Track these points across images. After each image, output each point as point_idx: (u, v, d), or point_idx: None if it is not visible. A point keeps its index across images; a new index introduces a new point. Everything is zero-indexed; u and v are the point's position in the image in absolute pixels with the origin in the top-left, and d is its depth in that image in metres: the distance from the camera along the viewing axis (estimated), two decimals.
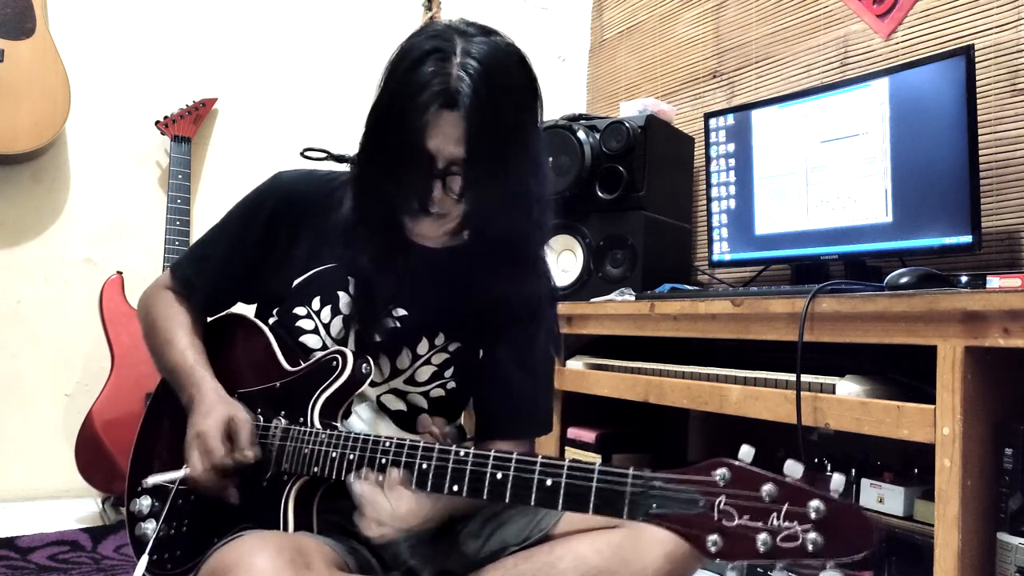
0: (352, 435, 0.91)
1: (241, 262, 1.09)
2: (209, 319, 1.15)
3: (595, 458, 1.91)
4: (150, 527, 1.01)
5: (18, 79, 1.94)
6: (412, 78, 0.87)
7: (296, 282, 1.06)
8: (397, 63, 0.91)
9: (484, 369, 1.08)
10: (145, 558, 0.96)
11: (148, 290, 1.16)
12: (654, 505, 0.68)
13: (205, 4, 2.37)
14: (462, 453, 0.82)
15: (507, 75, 0.90)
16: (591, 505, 0.72)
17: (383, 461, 0.87)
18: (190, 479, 0.95)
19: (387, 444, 0.87)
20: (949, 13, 1.76)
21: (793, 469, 0.62)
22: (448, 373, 1.07)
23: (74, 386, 2.17)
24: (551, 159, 2.07)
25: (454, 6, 2.59)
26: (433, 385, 1.06)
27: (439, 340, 1.06)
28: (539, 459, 0.77)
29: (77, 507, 2.03)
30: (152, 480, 0.98)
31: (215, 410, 0.97)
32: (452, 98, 0.86)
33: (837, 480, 0.61)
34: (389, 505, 0.84)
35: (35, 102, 1.96)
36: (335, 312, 1.04)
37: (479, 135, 0.87)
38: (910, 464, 1.49)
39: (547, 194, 1.00)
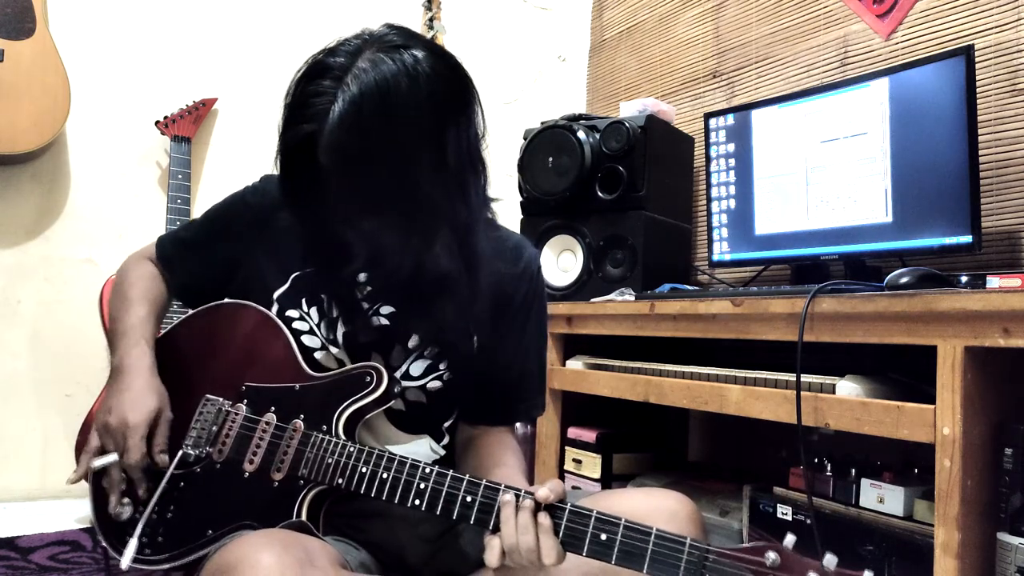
0: (388, 454, 0.91)
1: (219, 260, 1.10)
2: (213, 303, 1.12)
3: (595, 458, 1.92)
4: (126, 511, 0.97)
5: (18, 79, 1.94)
6: (298, 96, 0.93)
7: (282, 288, 1.05)
8: (299, 77, 0.96)
9: (477, 355, 1.08)
10: (134, 542, 0.92)
11: (132, 256, 1.17)
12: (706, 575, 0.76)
13: (205, 4, 2.37)
14: (511, 494, 0.84)
15: (386, 101, 0.89)
16: (645, 566, 0.78)
17: (422, 487, 0.88)
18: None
19: (427, 471, 0.88)
20: (949, 13, 1.76)
21: (831, 562, 0.72)
22: (443, 365, 1.07)
23: (74, 386, 2.17)
24: (551, 159, 2.07)
25: (454, 6, 2.59)
26: (429, 378, 1.06)
27: (428, 332, 1.05)
28: (594, 513, 0.81)
29: (77, 507, 2.03)
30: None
31: (145, 401, 0.95)
32: (321, 122, 0.88)
33: None
34: (536, 545, 0.82)
35: (35, 102, 1.96)
36: (322, 314, 1.04)
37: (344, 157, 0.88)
38: (910, 464, 1.49)
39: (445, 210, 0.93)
